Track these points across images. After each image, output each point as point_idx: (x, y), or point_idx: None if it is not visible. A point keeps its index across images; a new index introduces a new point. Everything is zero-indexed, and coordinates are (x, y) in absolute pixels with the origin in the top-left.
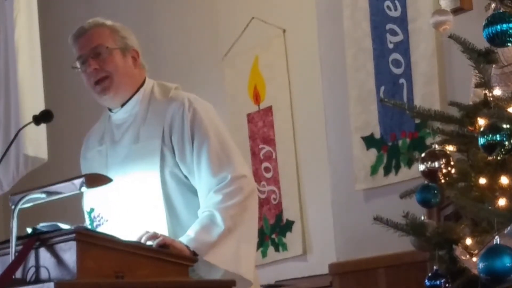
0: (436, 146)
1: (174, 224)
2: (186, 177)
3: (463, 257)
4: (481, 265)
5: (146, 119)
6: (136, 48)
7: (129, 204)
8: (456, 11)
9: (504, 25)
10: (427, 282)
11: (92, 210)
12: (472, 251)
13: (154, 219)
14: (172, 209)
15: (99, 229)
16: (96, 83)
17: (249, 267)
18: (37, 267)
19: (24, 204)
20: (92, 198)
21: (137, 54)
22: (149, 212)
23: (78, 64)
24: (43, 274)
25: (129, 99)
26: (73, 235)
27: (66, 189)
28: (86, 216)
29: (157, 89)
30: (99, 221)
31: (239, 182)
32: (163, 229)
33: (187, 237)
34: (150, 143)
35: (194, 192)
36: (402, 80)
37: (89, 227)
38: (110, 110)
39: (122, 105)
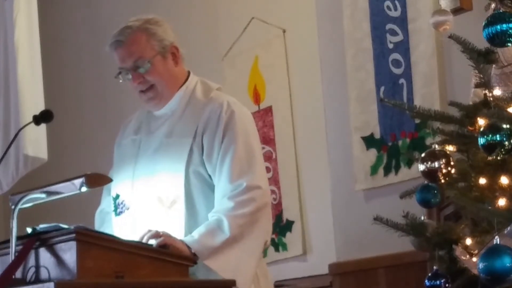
0: (436, 146)
1: (191, 222)
2: (210, 176)
3: (463, 257)
4: (481, 265)
5: (183, 116)
6: (174, 43)
7: (151, 196)
8: (456, 11)
9: (504, 25)
10: (427, 282)
11: (117, 196)
12: (472, 251)
13: (172, 215)
14: (192, 207)
15: (121, 216)
16: (142, 91)
17: (247, 278)
18: (37, 267)
19: (24, 204)
20: (119, 184)
21: (177, 49)
22: (169, 207)
23: (121, 77)
24: (43, 274)
25: None
26: (73, 235)
27: (66, 189)
28: (111, 202)
29: (199, 87)
30: (121, 208)
31: (253, 193)
32: (180, 226)
33: (191, 238)
34: (181, 140)
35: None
36: (402, 80)
37: (113, 213)
38: None
39: None
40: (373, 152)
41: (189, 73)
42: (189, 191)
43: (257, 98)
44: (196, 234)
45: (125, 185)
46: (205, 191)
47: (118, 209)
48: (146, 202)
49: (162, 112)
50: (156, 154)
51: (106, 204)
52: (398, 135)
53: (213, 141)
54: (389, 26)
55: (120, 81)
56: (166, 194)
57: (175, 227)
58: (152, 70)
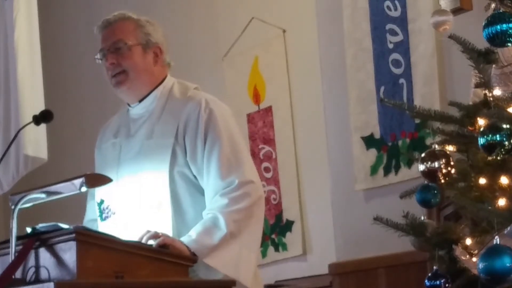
0: (436, 146)
1: (179, 222)
2: (195, 177)
3: (463, 257)
4: (481, 265)
5: (161, 116)
6: (159, 45)
7: (136, 200)
8: (456, 11)
9: (504, 25)
10: (427, 282)
11: (102, 201)
12: (472, 251)
13: (159, 217)
14: (179, 207)
15: (107, 221)
16: (113, 76)
17: (248, 273)
18: (37, 267)
19: (24, 204)
20: (102, 190)
21: (160, 51)
22: (155, 209)
23: (99, 56)
24: (43, 274)
25: (148, 95)
26: (73, 235)
27: (66, 189)
28: (96, 208)
29: (176, 87)
30: (107, 213)
31: (246, 188)
32: (167, 227)
33: (188, 238)
34: (163, 140)
35: (202, 192)
36: (402, 80)
37: (98, 218)
38: (128, 104)
39: (140, 101)
40: (373, 152)
41: (166, 75)
42: (174, 191)
43: (257, 98)
44: (193, 233)
45: (109, 189)
46: (191, 190)
47: (103, 214)
48: (132, 206)
49: (139, 113)
50: (138, 157)
51: (91, 212)
52: (398, 135)
53: (195, 141)
54: (389, 26)
55: (98, 61)
56: (152, 196)
57: (163, 228)
58: (128, 55)
